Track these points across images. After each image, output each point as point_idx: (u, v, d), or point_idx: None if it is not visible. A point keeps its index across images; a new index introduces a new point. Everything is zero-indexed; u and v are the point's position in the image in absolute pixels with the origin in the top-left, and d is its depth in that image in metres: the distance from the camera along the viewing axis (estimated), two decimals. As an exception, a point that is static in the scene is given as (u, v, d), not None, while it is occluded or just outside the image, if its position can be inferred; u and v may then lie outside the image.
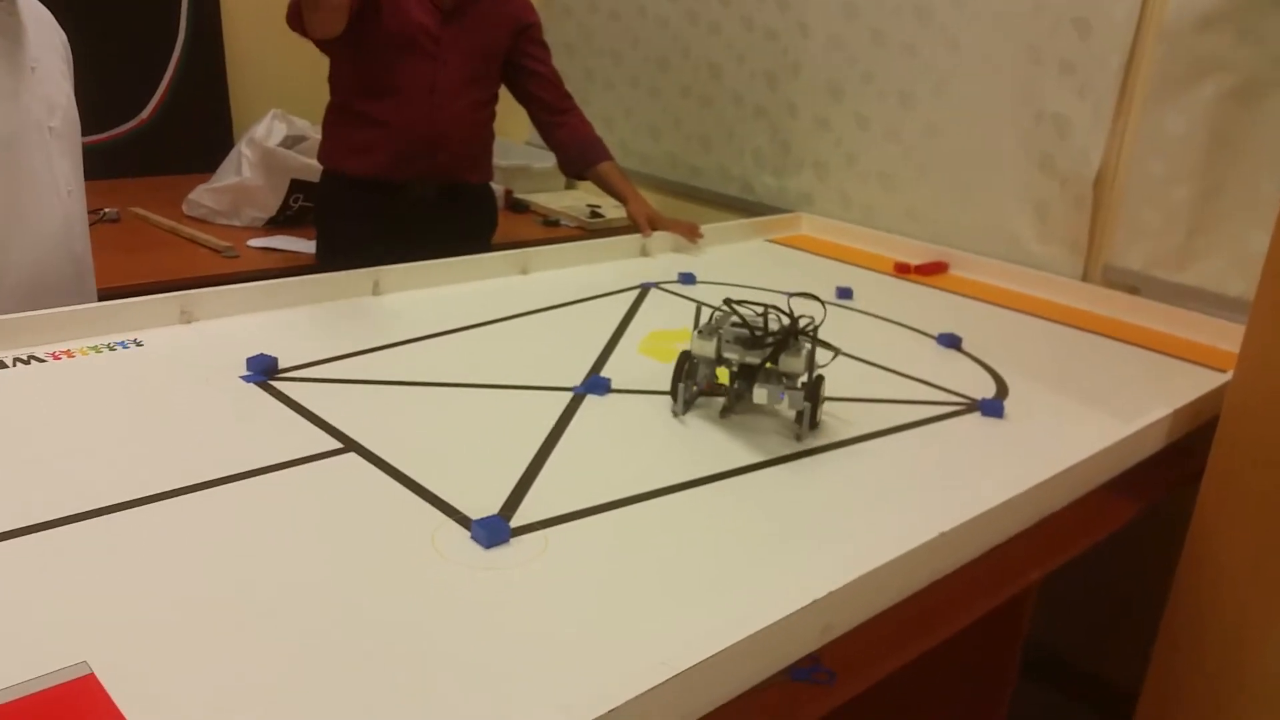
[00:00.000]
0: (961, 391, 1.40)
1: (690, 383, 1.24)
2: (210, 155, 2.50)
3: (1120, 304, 1.84)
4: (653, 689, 0.69)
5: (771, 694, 0.89)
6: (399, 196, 1.92)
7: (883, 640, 0.98)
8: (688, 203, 2.68)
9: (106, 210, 2.30)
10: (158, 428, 1.10)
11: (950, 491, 1.12)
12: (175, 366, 1.27)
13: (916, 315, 1.74)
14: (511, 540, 0.94)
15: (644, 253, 1.99)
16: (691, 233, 2.04)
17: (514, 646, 0.79)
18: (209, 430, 1.11)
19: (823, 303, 1.34)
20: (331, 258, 1.90)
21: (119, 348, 1.31)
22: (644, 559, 0.93)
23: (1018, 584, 1.15)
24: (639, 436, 1.19)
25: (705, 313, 1.26)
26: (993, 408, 1.34)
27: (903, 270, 2.05)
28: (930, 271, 2.04)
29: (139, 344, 1.33)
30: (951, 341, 1.60)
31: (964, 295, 1.91)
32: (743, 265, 1.99)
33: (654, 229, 2.00)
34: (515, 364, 1.36)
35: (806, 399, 1.18)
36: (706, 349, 1.20)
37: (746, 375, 1.19)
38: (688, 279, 1.83)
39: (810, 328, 1.20)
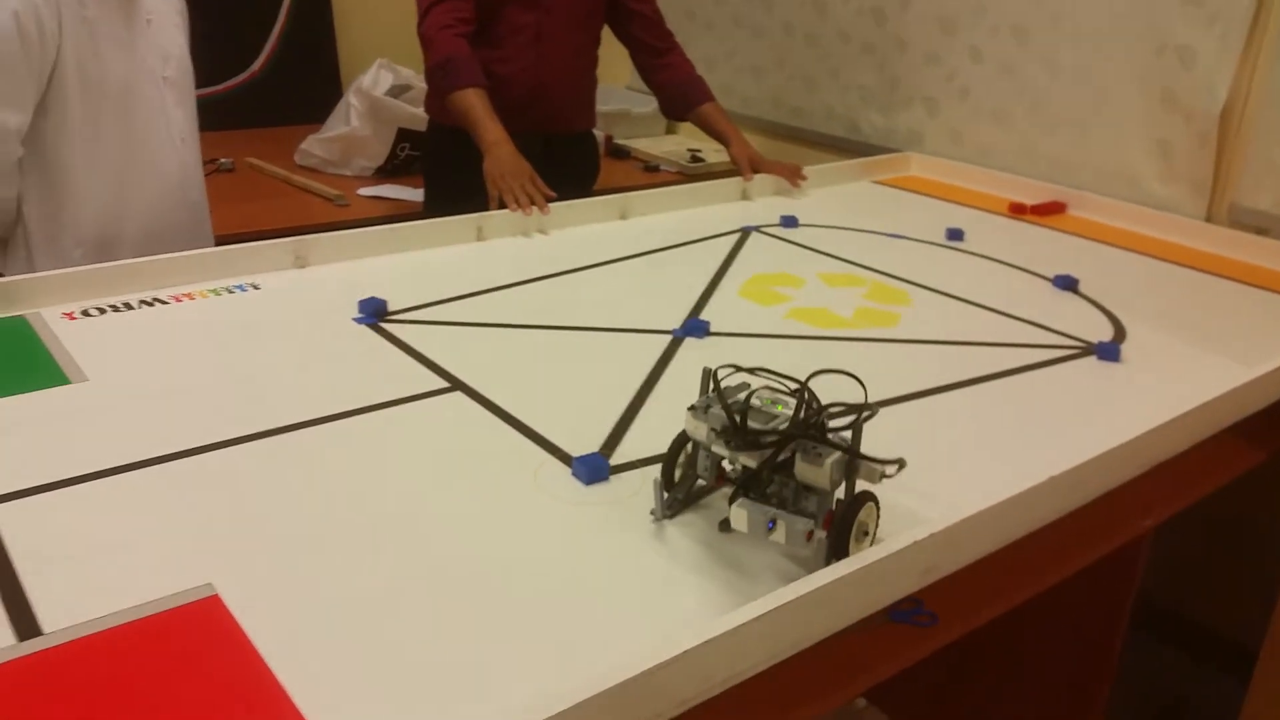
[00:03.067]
0: (1077, 335, 1.36)
1: (687, 475, 0.90)
2: (320, 106, 2.56)
3: (1246, 246, 1.75)
4: (751, 621, 0.70)
5: (871, 634, 0.89)
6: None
7: (987, 585, 0.97)
8: (790, 144, 2.63)
9: (222, 160, 2.38)
10: (275, 366, 1.15)
11: (1062, 435, 1.08)
12: (290, 309, 1.31)
13: (1031, 257, 1.68)
14: (611, 478, 0.95)
15: (745, 196, 1.97)
16: (794, 175, 2.01)
17: (612, 578, 0.81)
18: (324, 369, 1.15)
19: (863, 385, 0.84)
20: (438, 206, 1.93)
21: (237, 291, 1.36)
22: (743, 498, 0.93)
23: (1130, 532, 1.12)
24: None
25: (727, 372, 0.87)
26: (1109, 351, 1.29)
27: (1018, 211, 1.98)
28: (1046, 212, 1.97)
29: (256, 287, 1.37)
30: (1068, 284, 1.54)
31: (1082, 236, 1.84)
32: (847, 207, 1.95)
33: (756, 171, 1.97)
34: (615, 307, 1.37)
35: (831, 527, 0.79)
36: (701, 428, 0.84)
37: (747, 483, 0.82)
38: (790, 222, 1.81)
39: (822, 417, 0.80)
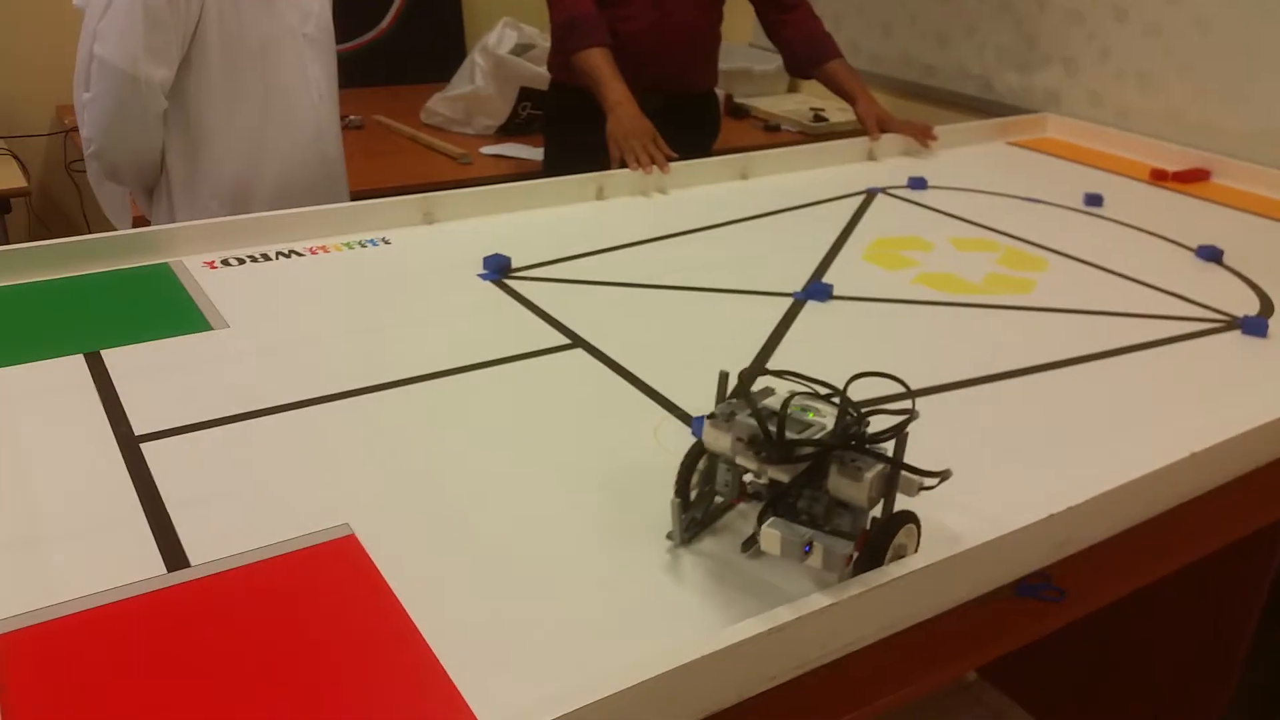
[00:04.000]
0: (1221, 308, 1.29)
1: (705, 493, 0.81)
2: (445, 65, 2.60)
3: None
4: (875, 589, 0.69)
5: (996, 606, 0.87)
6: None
7: (1118, 562, 0.93)
8: (920, 104, 2.55)
9: (351, 117, 2.44)
10: (405, 319, 1.18)
11: (1203, 412, 1.03)
12: (419, 263, 1.34)
13: (1173, 226, 1.60)
14: (731, 440, 0.95)
15: (871, 156, 1.92)
16: (924, 135, 1.95)
17: (732, 534, 0.81)
18: (451, 323, 1.17)
19: (909, 390, 0.77)
20: (557, 165, 1.94)
21: (369, 245, 1.40)
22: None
23: (1270, 515, 1.06)
24: (862, 342, 1.17)
25: (762, 379, 0.80)
26: (1255, 326, 1.22)
27: (1159, 177, 1.88)
28: (1190, 179, 1.87)
29: (386, 242, 1.41)
30: (1212, 255, 1.46)
31: (1227, 205, 1.74)
32: (979, 170, 1.89)
33: (884, 131, 1.92)
34: (735, 269, 1.36)
35: (864, 548, 0.71)
36: (724, 439, 0.73)
37: (776, 499, 0.74)
38: (918, 184, 1.76)
39: (863, 426, 0.72)
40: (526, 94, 2.34)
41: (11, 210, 2.37)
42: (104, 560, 0.75)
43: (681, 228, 1.51)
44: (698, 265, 1.37)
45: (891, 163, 1.91)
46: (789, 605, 0.67)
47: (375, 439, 0.93)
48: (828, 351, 1.14)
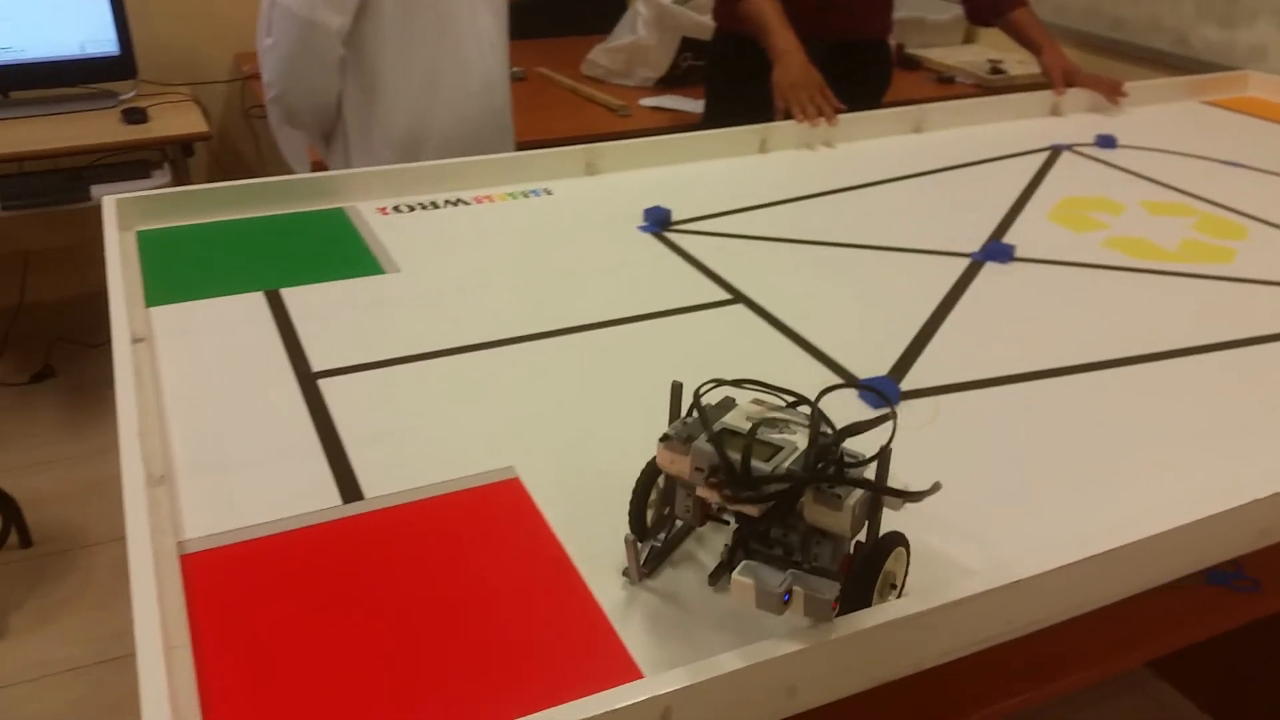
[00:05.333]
0: None
1: (665, 517, 0.72)
2: (606, 17, 2.58)
3: None
4: (1061, 568, 0.65)
5: (1185, 594, 0.82)
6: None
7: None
8: (1107, 58, 2.40)
9: (514, 69, 2.45)
10: (568, 268, 1.17)
11: None
12: (580, 214, 1.34)
13: (1397, 193, 1.45)
14: (901, 403, 0.91)
15: (1055, 111, 1.81)
16: (1113, 91, 1.82)
17: (899, 514, 0.77)
18: (613, 273, 1.16)
19: (893, 409, 0.69)
20: (719, 117, 1.91)
21: (532, 195, 1.40)
22: (1047, 436, 0.87)
23: None
24: (1045, 308, 1.10)
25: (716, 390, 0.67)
26: None
27: (1380, 139, 1.71)
28: None
29: (549, 192, 1.41)
30: None
31: None
32: (1173, 130, 1.75)
33: (1069, 85, 1.80)
34: (908, 226, 1.30)
35: (849, 578, 0.62)
36: (681, 463, 0.63)
37: (746, 532, 0.64)
38: (1107, 142, 1.64)
39: (840, 448, 0.61)
40: (688, 44, 2.30)
41: (194, 154, 2.50)
42: (284, 489, 0.78)
43: (849, 182, 1.46)
44: (866, 222, 1.32)
45: (1077, 119, 1.79)
46: (977, 576, 0.64)
47: (539, 386, 0.93)
48: (1008, 316, 1.08)
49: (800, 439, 0.62)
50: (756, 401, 0.66)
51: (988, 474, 0.82)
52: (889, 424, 0.62)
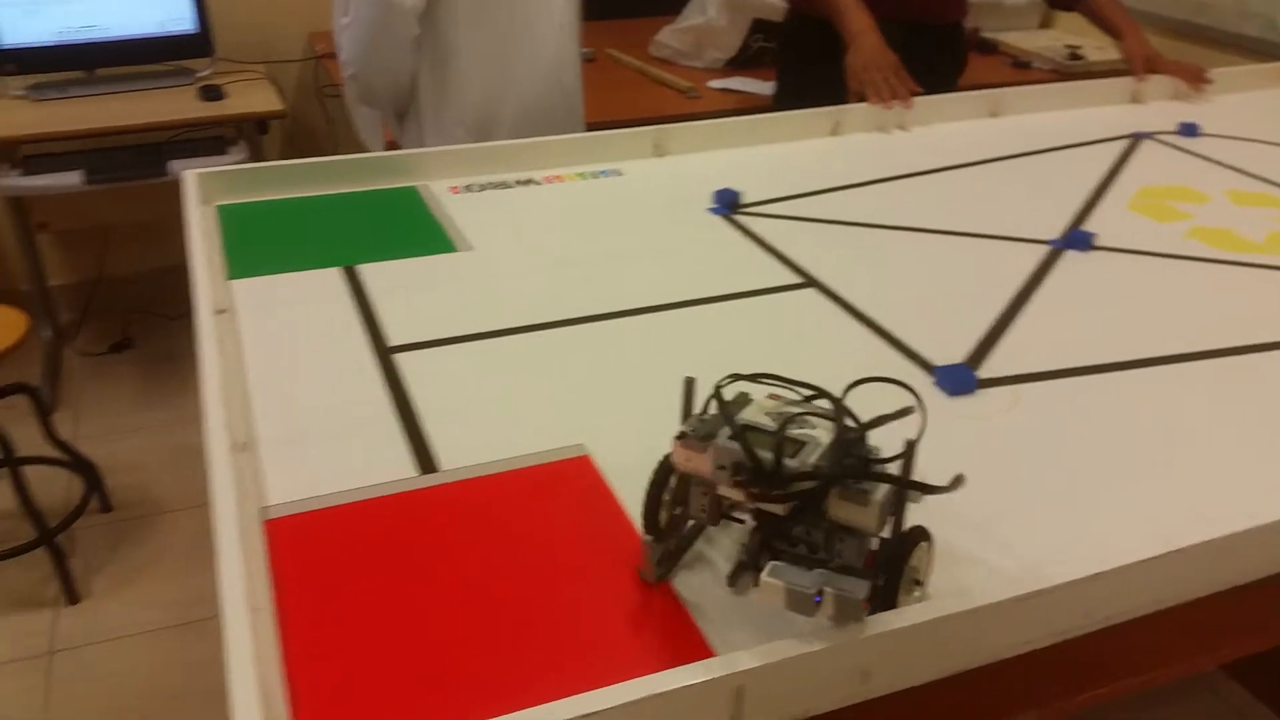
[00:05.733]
0: None
1: (677, 516, 0.68)
2: (676, -2, 2.57)
3: None
4: (1142, 562, 0.64)
5: (1265, 595, 0.79)
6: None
7: None
8: (1191, 44, 2.33)
9: (583, 50, 2.45)
10: (637, 249, 1.18)
11: None
12: (649, 195, 1.34)
13: None
14: (978, 392, 0.90)
15: (1135, 99, 1.76)
16: (1196, 78, 1.77)
17: (980, 501, 0.76)
18: (682, 255, 1.16)
19: (919, 399, 0.65)
20: (789, 99, 1.89)
21: (601, 175, 1.40)
22: (1127, 428, 0.85)
23: None
24: (1127, 298, 1.08)
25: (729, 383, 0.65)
26: None
27: None
28: None
29: (618, 173, 1.41)
30: None
31: None
32: (1260, 119, 1.70)
33: (1151, 72, 1.76)
34: (984, 212, 1.28)
35: (880, 571, 0.61)
36: (701, 461, 0.61)
37: (769, 531, 0.63)
38: (1190, 130, 1.60)
39: (866, 445, 0.61)
40: (759, 26, 2.28)
41: (268, 131, 2.54)
42: (362, 459, 0.79)
43: (924, 167, 1.43)
44: (942, 207, 1.30)
45: (1158, 106, 1.75)
46: (1057, 567, 0.63)
47: (608, 365, 0.93)
48: (1089, 306, 1.06)
49: (823, 434, 0.60)
50: (772, 396, 0.64)
51: (1068, 463, 0.80)
52: (920, 417, 0.62)
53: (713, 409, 0.62)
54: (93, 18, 2.44)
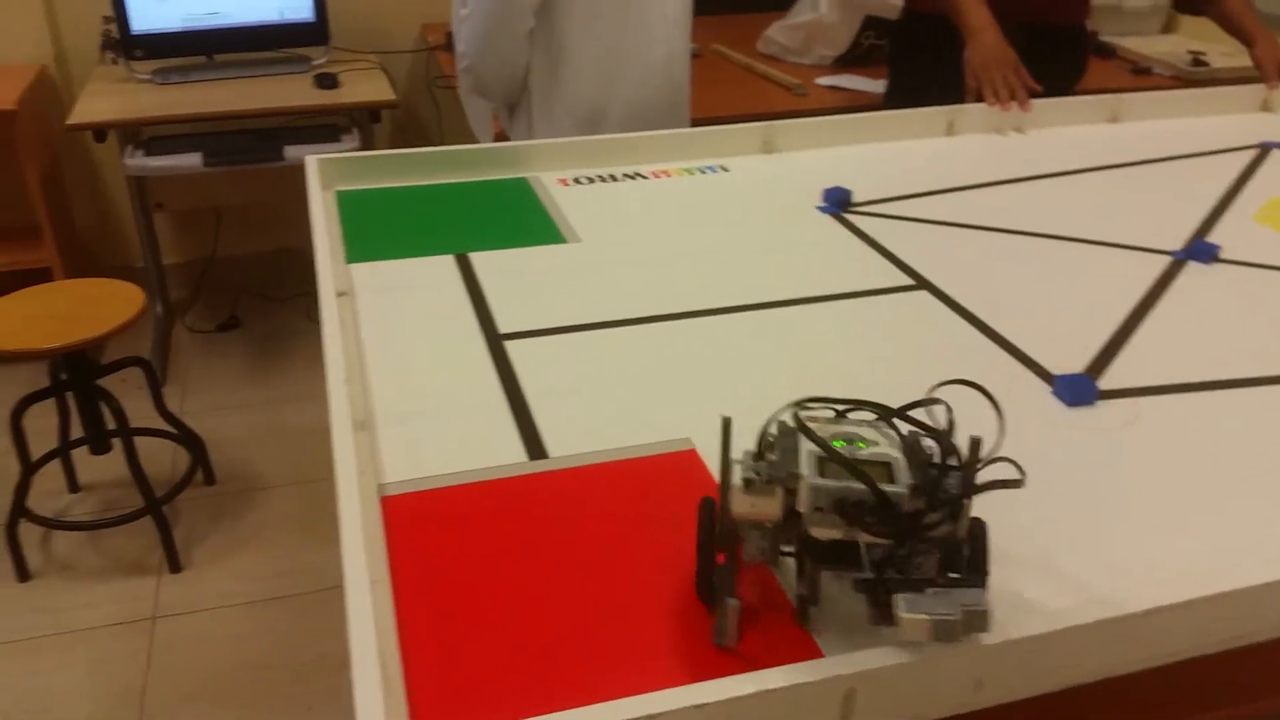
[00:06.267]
0: None
1: (728, 573, 0.62)
2: (785, -7, 2.56)
3: None
4: (1264, 585, 0.62)
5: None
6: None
7: None
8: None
9: (690, 45, 2.46)
10: (745, 246, 1.17)
11: None
12: (757, 192, 1.33)
13: None
14: (1098, 403, 0.87)
15: (1266, 107, 1.69)
16: (1332, 85, 1.69)
17: (1099, 514, 0.74)
18: (790, 253, 1.15)
19: (996, 404, 0.62)
20: (901, 97, 1.86)
21: (708, 171, 1.40)
22: (1253, 445, 0.82)
23: None
24: (1253, 312, 1.03)
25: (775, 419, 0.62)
26: None
27: None
28: None
29: (725, 169, 1.41)
30: None
31: None
32: (1401, 128, 1.62)
33: (1284, 79, 1.69)
34: (1103, 219, 1.24)
35: (968, 573, 0.59)
36: (769, 505, 0.58)
37: (885, 561, 0.58)
38: (1325, 140, 1.53)
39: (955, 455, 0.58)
40: (870, 23, 2.25)
41: (380, 120, 2.60)
42: (474, 442, 0.80)
43: (1041, 170, 1.40)
44: (1058, 212, 1.27)
45: (1291, 115, 1.68)
46: (1177, 584, 0.61)
47: (714, 360, 0.93)
48: (1214, 319, 1.02)
49: (886, 446, 0.58)
50: (810, 419, 0.60)
51: (1190, 479, 0.78)
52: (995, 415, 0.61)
53: (740, 441, 0.60)
54: (217, 5, 2.53)
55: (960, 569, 0.58)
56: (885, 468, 0.57)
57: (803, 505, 0.56)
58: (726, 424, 0.60)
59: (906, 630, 0.54)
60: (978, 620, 0.55)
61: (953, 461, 0.57)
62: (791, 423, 0.59)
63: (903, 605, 0.55)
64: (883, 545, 0.56)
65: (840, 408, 0.62)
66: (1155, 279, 1.09)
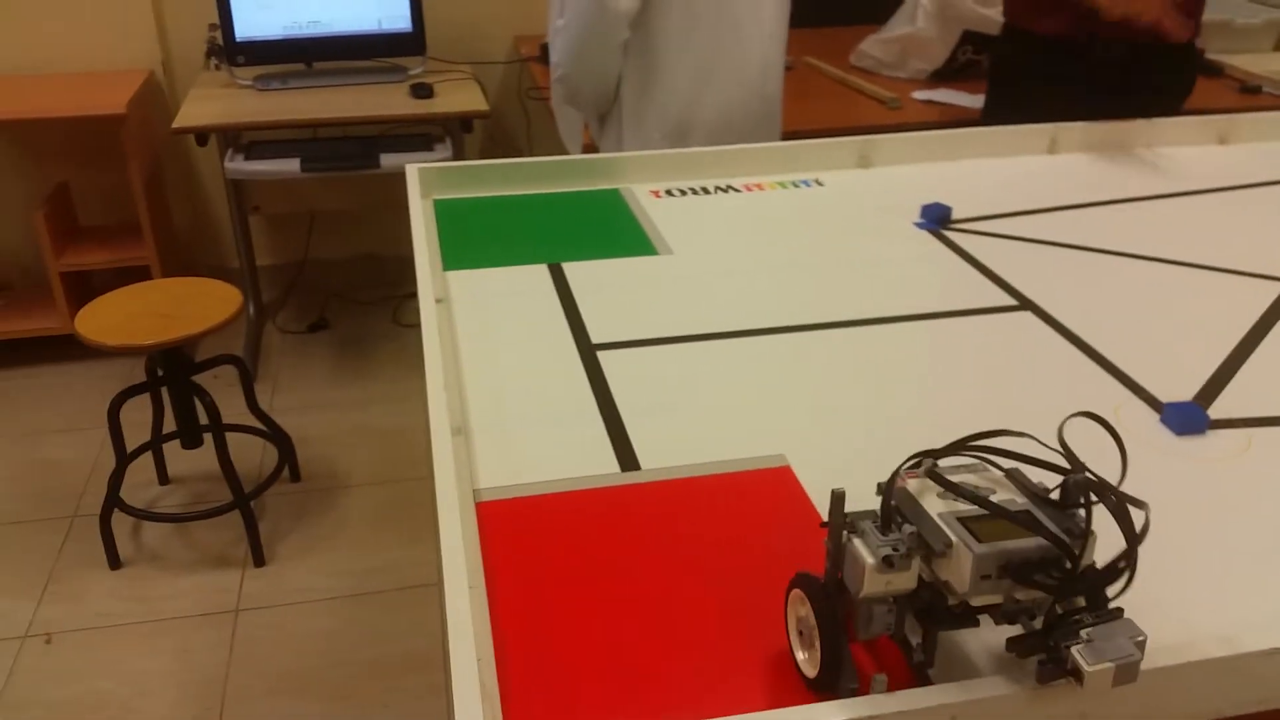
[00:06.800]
0: None
1: (849, 657, 0.57)
2: (877, 5, 2.53)
3: None
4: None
5: None
6: (1086, 57, 1.76)
7: None
8: None
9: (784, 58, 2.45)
10: (840, 261, 1.16)
11: None
12: (853, 207, 1.31)
13: None
14: (1208, 432, 0.84)
15: (1390, 129, 1.62)
16: None
17: (1201, 546, 0.71)
18: (888, 270, 1.14)
19: (1119, 441, 0.60)
20: (999, 114, 1.82)
21: (802, 185, 1.39)
22: (1384, 486, 0.78)
23: None
24: (1377, 345, 0.99)
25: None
26: None
27: None
28: None
29: (820, 184, 1.40)
30: None
31: None
32: None
33: None
34: (1213, 243, 1.20)
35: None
36: (905, 580, 0.54)
37: (955, 619, 0.56)
38: None
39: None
40: (969, 37, 2.22)
41: (472, 130, 2.64)
42: (567, 451, 0.81)
43: (1146, 192, 1.36)
44: (1166, 235, 1.23)
45: None
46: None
47: (809, 377, 0.92)
48: (1331, 349, 0.98)
49: (1005, 490, 0.56)
50: (912, 474, 0.57)
51: (1311, 519, 0.74)
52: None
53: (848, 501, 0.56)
54: (318, 14, 2.60)
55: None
56: (1029, 515, 0.53)
57: (965, 575, 0.51)
58: (838, 497, 0.56)
59: (1092, 684, 0.51)
60: (1133, 649, 0.51)
61: (1082, 499, 0.54)
62: (918, 489, 0.56)
63: (1084, 659, 0.51)
64: (1038, 599, 0.53)
65: (958, 460, 0.57)
66: (1268, 307, 1.05)
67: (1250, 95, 2.24)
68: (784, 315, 1.03)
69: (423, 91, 2.54)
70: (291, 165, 2.47)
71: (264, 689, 1.81)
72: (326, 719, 1.76)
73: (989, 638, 0.60)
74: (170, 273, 2.72)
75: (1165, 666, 0.56)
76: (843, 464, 0.80)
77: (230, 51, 2.59)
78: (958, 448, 0.58)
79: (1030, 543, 0.51)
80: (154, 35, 2.76)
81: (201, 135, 2.50)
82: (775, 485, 0.78)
